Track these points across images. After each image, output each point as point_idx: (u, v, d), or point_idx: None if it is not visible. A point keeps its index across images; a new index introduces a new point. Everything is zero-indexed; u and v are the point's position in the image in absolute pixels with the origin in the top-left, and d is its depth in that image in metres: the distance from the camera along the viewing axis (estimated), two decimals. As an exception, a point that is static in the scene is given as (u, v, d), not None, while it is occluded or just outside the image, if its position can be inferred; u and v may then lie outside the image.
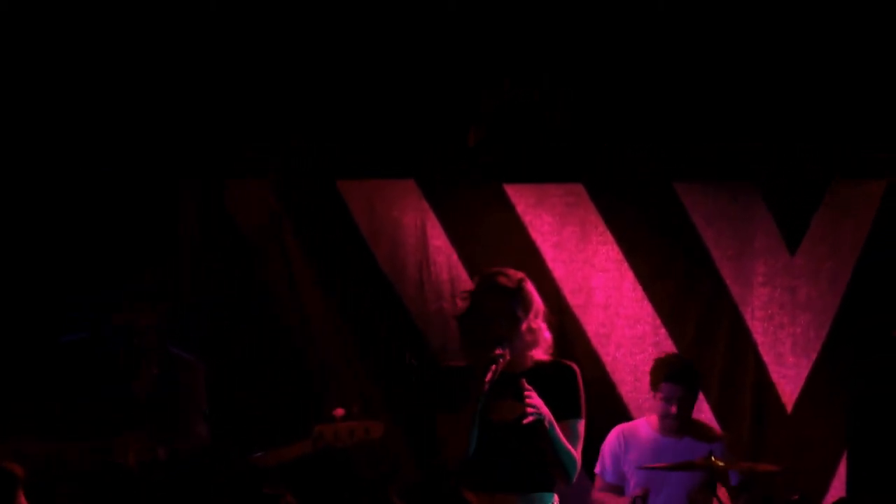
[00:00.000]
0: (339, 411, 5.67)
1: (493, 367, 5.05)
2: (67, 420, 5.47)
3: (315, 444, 5.53)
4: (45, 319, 6.47)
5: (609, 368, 7.22)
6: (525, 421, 5.02)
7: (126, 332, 5.53)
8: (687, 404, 6.60)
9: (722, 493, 6.34)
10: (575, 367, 5.30)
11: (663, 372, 6.62)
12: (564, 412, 5.17)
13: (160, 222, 7.12)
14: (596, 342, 7.24)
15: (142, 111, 7.01)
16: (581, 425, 5.24)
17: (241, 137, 7.17)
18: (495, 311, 5.20)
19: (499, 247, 7.22)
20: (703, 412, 7.12)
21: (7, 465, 4.73)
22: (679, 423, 6.60)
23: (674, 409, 6.57)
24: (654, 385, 6.65)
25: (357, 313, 7.28)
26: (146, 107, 7.00)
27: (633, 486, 6.63)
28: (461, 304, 5.36)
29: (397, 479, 7.12)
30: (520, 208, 7.31)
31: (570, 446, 5.15)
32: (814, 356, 7.20)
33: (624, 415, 7.07)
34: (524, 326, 5.23)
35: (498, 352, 5.11)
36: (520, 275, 5.33)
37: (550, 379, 5.21)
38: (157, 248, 7.02)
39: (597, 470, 6.72)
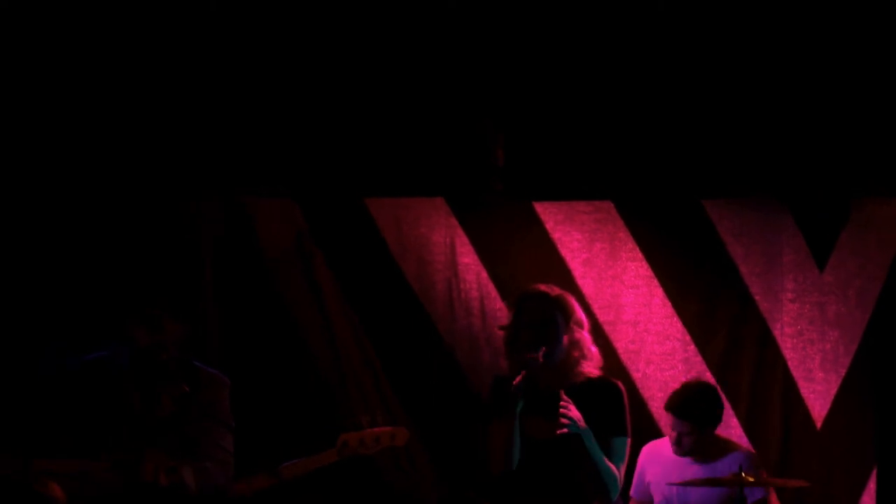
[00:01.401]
0: (365, 419, 5.69)
1: (525, 370, 5.08)
2: (95, 438, 5.48)
3: (340, 452, 5.54)
4: (65, 337, 6.47)
5: (639, 385, 7.23)
6: (557, 432, 5.03)
7: (150, 348, 5.54)
8: (692, 436, 6.56)
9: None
10: (620, 385, 5.34)
11: (669, 404, 6.62)
12: (608, 430, 5.19)
13: (181, 239, 7.15)
14: (625, 358, 7.25)
15: (166, 128, 7.05)
16: (626, 444, 5.26)
17: (267, 156, 7.20)
18: (534, 315, 5.24)
19: (528, 264, 7.23)
20: (733, 428, 7.12)
21: (47, 489, 4.70)
22: (685, 452, 6.59)
23: (675, 439, 6.59)
24: (665, 409, 6.68)
25: (384, 330, 7.30)
26: (170, 124, 7.05)
27: (658, 503, 6.65)
28: (506, 315, 5.42)
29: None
30: (549, 225, 7.33)
31: (610, 463, 5.16)
32: (843, 372, 7.18)
33: (654, 431, 7.07)
34: (566, 337, 5.25)
35: (531, 355, 5.13)
36: (563, 291, 5.39)
37: (595, 396, 5.24)
38: (178, 262, 7.04)
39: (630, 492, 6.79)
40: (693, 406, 6.57)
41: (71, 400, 5.55)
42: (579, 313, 5.35)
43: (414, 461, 7.15)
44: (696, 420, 6.55)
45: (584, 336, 5.32)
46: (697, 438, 6.56)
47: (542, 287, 5.36)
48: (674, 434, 6.58)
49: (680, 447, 6.58)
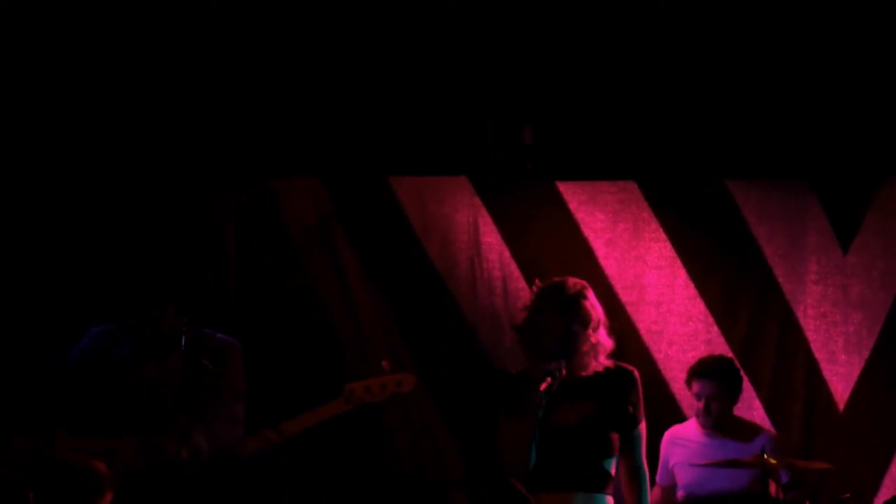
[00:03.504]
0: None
1: (549, 378, 5.12)
2: (110, 414, 5.53)
3: (347, 400, 5.50)
4: (65, 336, 6.46)
5: (661, 366, 7.22)
6: None
7: (153, 338, 5.56)
8: (720, 402, 6.60)
9: (773, 490, 6.35)
10: (634, 371, 5.36)
11: (694, 369, 6.66)
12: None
13: (205, 219, 7.18)
14: (648, 339, 7.25)
15: (193, 108, 7.07)
16: (642, 427, 5.30)
17: (290, 135, 7.20)
18: (550, 329, 5.26)
19: (551, 244, 7.24)
20: (755, 409, 7.12)
21: (96, 464, 4.70)
22: (714, 421, 6.61)
23: (702, 405, 6.60)
24: (688, 382, 6.70)
25: (408, 309, 7.31)
26: (197, 104, 7.06)
27: (682, 486, 6.66)
28: (520, 317, 5.42)
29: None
30: (572, 205, 7.33)
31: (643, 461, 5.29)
32: (866, 354, 7.17)
33: (675, 412, 7.07)
34: (581, 340, 5.28)
35: (553, 365, 5.16)
36: (578, 286, 5.38)
37: (611, 385, 5.28)
38: (188, 248, 7.04)
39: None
40: (718, 367, 6.61)
41: (81, 384, 5.59)
42: (597, 315, 5.35)
43: (436, 440, 7.18)
44: (723, 379, 6.56)
45: (600, 337, 5.34)
46: (725, 407, 6.59)
47: (557, 297, 5.32)
48: (700, 404, 6.59)
49: (709, 416, 6.58)
